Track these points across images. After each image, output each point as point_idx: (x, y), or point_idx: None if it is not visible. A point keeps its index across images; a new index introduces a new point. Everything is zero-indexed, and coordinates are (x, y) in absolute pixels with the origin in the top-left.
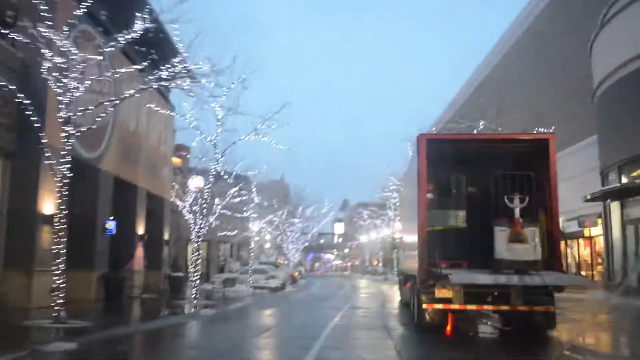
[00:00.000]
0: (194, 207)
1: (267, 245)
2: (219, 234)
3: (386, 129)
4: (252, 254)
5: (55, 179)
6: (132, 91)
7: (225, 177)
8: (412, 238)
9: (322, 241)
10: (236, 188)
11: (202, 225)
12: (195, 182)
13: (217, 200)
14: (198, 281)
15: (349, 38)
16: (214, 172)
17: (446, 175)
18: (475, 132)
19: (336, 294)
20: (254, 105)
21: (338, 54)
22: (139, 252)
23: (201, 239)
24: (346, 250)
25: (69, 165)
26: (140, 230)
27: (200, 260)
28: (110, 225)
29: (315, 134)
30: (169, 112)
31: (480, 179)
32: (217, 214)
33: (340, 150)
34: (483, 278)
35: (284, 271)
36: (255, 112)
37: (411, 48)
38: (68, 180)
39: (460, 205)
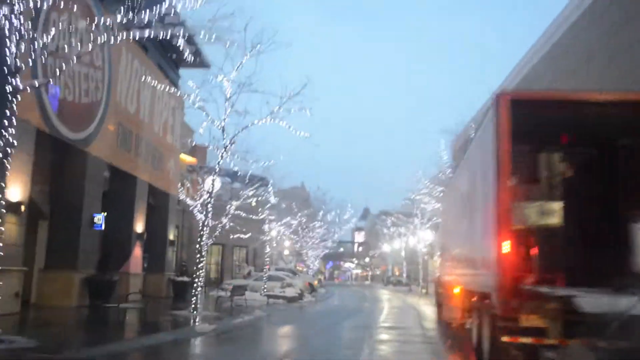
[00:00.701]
0: (207, 206)
1: (286, 252)
2: (232, 236)
3: (409, 138)
4: (267, 259)
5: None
6: (101, 39)
7: (239, 173)
8: (473, 242)
9: (341, 250)
10: (252, 189)
11: (209, 225)
12: (212, 184)
13: (233, 203)
14: (200, 288)
15: (380, 43)
16: (221, 161)
17: (534, 153)
18: None
19: (361, 307)
20: (271, 84)
21: (369, 59)
22: (137, 253)
23: (211, 241)
24: (367, 260)
25: (12, 132)
26: (139, 228)
27: (204, 264)
28: (99, 219)
29: (337, 141)
30: (174, 89)
31: (587, 158)
32: (230, 215)
33: (361, 158)
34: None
35: (302, 279)
36: (272, 90)
37: (445, 56)
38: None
39: (554, 194)
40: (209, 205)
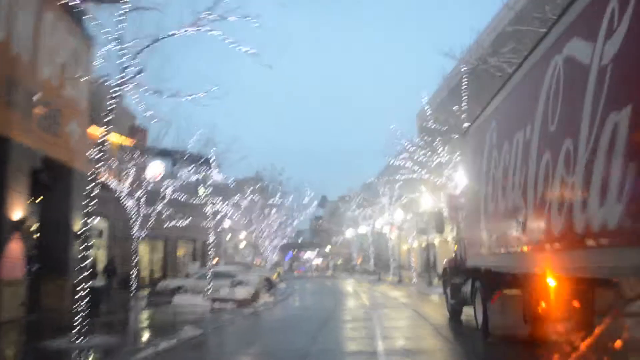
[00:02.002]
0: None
1: (242, 245)
2: (168, 224)
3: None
4: (211, 250)
5: None
6: None
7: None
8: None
9: (300, 240)
10: (192, 167)
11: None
12: (154, 170)
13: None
14: (134, 290)
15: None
16: (122, 97)
17: None
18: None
19: (336, 309)
20: None
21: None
22: (14, 249)
23: (144, 233)
24: (327, 249)
25: None
26: (18, 213)
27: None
28: None
29: (291, 129)
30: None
31: None
32: (166, 200)
33: (314, 145)
34: None
35: (257, 274)
36: None
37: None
38: None
39: None
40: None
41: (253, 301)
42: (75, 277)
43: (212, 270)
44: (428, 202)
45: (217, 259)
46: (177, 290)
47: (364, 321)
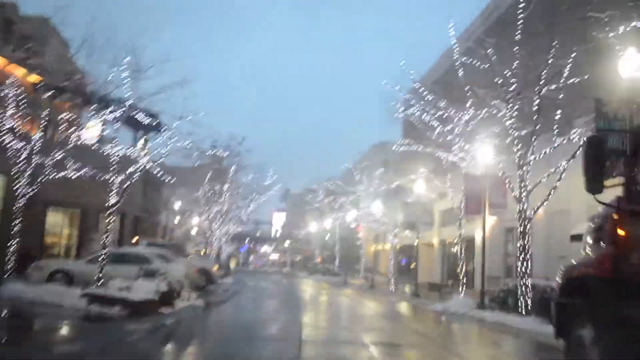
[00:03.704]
0: None
1: (194, 231)
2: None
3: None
4: (110, 221)
5: None
6: None
7: None
8: None
9: (258, 233)
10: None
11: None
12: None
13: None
14: None
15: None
16: None
17: None
18: None
19: (300, 330)
20: None
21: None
22: None
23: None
24: (286, 244)
25: None
26: None
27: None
28: None
29: (254, 123)
30: None
31: None
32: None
33: (277, 140)
34: None
35: (184, 264)
36: None
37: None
38: None
39: None
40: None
41: (165, 304)
42: None
43: (108, 251)
44: (422, 189)
45: (137, 237)
46: (53, 276)
47: None
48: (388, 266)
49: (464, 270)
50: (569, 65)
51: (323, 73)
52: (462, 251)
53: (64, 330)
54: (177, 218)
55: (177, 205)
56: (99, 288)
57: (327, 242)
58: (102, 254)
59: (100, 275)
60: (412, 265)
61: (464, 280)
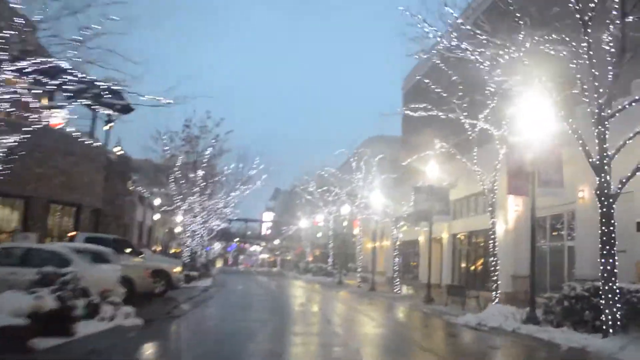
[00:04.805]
0: None
1: (178, 229)
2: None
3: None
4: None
5: None
6: None
7: None
8: None
9: (249, 232)
10: None
11: None
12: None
13: None
14: None
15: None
16: None
17: None
18: None
19: None
20: None
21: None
22: None
23: None
24: (276, 242)
25: None
26: None
27: None
28: None
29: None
30: None
31: None
32: None
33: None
34: None
35: (119, 266)
36: None
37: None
38: None
39: None
40: None
41: (51, 331)
42: None
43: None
44: (436, 171)
45: (74, 232)
46: None
47: None
48: (388, 265)
49: (496, 268)
50: None
51: (313, 65)
52: (495, 245)
53: None
54: (157, 216)
55: (157, 201)
56: None
57: (319, 239)
58: None
59: None
60: (413, 264)
61: (498, 282)
